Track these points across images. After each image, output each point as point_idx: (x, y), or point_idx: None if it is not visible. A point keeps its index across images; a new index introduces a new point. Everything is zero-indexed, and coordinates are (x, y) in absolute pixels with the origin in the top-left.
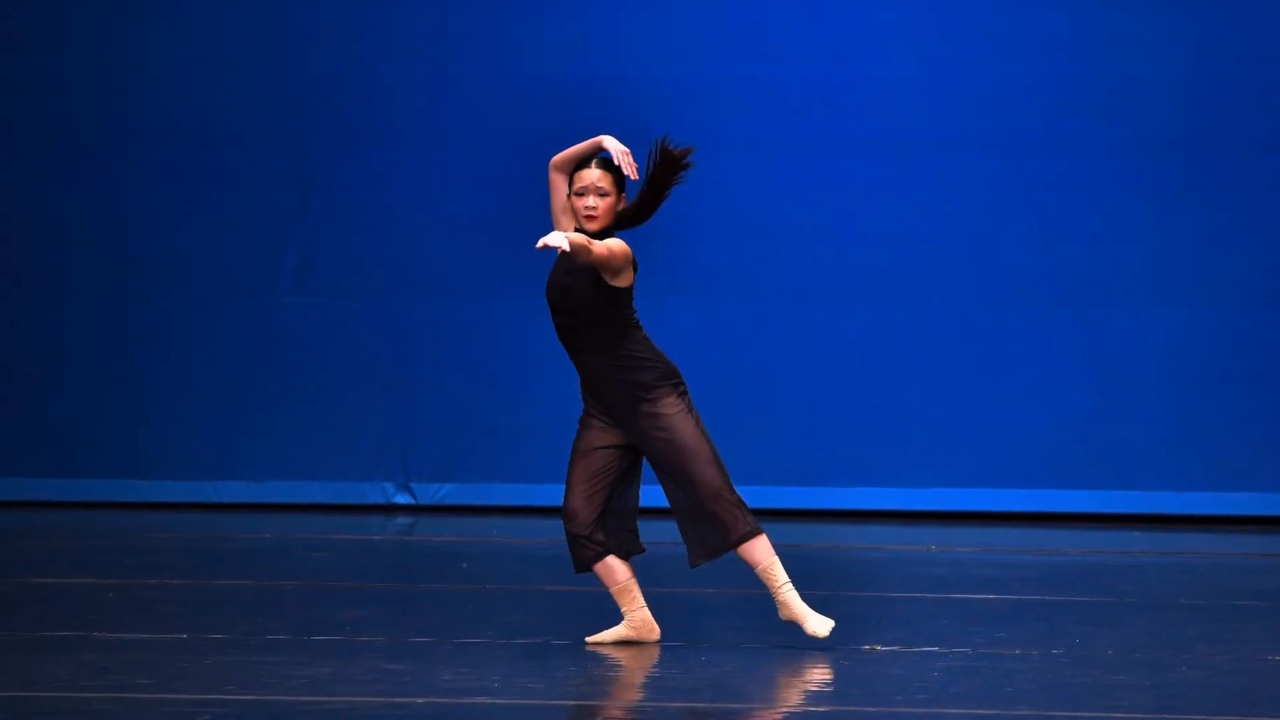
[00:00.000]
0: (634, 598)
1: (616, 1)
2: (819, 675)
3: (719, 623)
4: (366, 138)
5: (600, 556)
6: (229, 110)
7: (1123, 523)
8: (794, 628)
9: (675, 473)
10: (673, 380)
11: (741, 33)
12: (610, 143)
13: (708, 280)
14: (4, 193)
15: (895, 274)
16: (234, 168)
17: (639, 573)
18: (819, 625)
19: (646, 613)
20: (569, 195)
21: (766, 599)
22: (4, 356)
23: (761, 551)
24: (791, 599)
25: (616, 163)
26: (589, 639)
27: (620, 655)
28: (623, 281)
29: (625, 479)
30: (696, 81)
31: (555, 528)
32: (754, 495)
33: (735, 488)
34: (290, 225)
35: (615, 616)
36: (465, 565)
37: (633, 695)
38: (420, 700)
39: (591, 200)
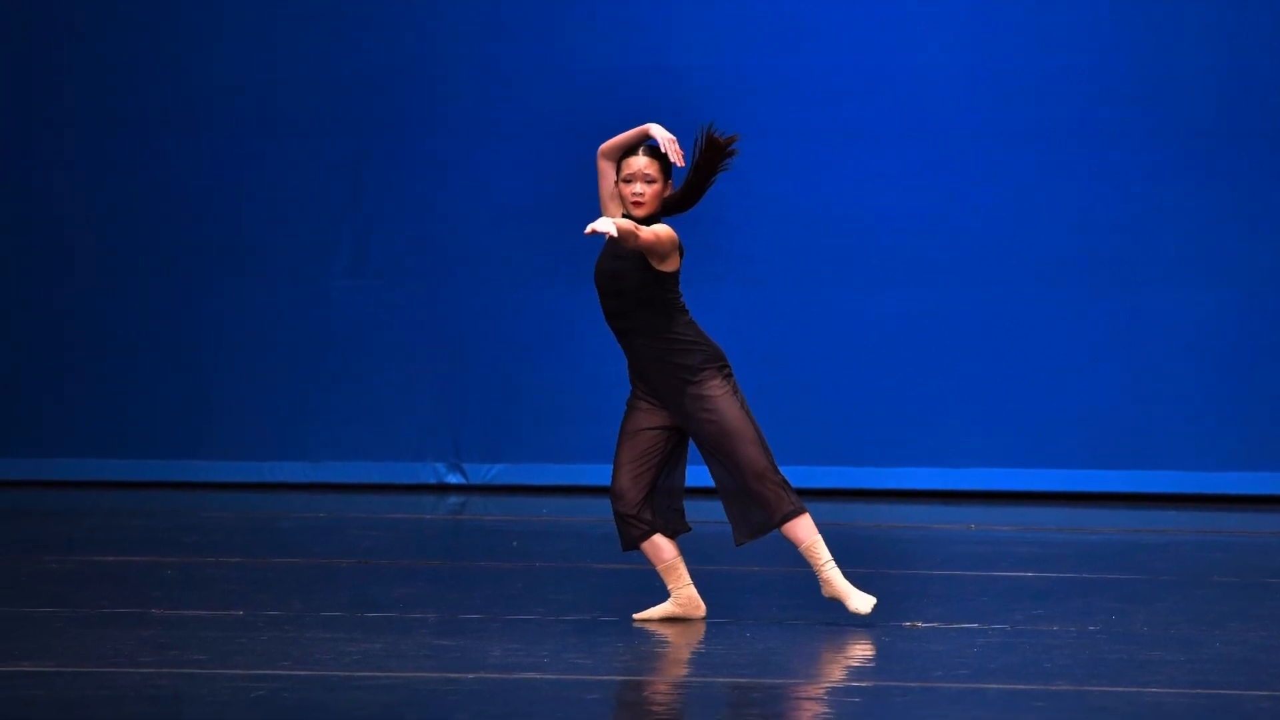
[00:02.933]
0: (680, 575)
1: None
2: (861, 651)
3: (763, 600)
4: (419, 128)
5: (647, 535)
6: (286, 100)
7: (1157, 502)
8: (836, 605)
9: (721, 453)
10: (718, 363)
11: (785, 23)
12: (657, 130)
13: (752, 266)
14: (68, 179)
15: (935, 260)
16: (291, 156)
17: (685, 551)
18: (861, 602)
19: (692, 590)
20: (616, 182)
21: (809, 577)
22: (66, 340)
23: (805, 530)
24: (834, 577)
25: (663, 150)
26: (636, 616)
27: (666, 631)
28: (669, 266)
29: (672, 459)
30: (741, 71)
31: (603, 507)
32: (797, 475)
33: (779, 468)
34: (345, 212)
35: (662, 594)
36: (515, 543)
37: (679, 671)
38: (470, 676)
39: (639, 187)
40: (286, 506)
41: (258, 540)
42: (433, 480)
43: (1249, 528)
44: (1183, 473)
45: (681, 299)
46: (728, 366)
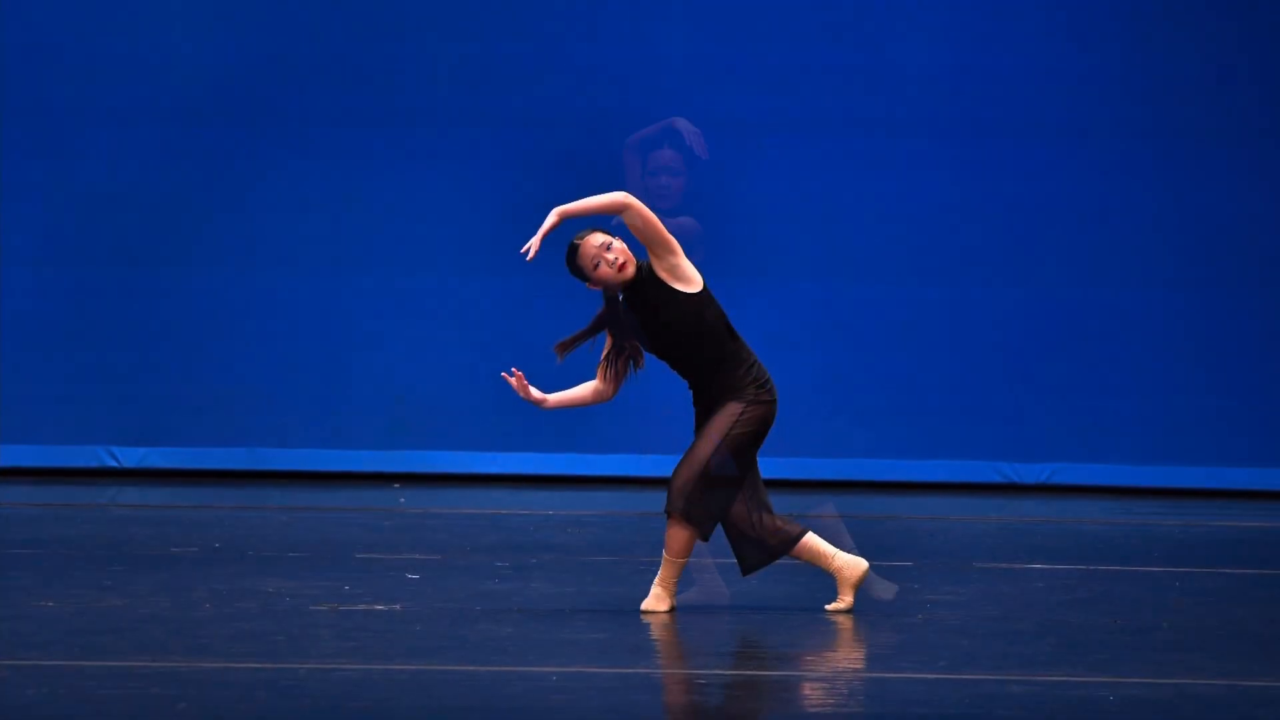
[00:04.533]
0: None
1: None
2: (883, 640)
3: (783, 589)
4: (436, 120)
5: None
6: (312, 91)
7: (1178, 495)
8: (858, 594)
9: (696, 437)
10: (763, 385)
11: (805, 17)
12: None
13: (772, 261)
14: (79, 172)
15: (957, 254)
16: (313, 146)
17: (706, 541)
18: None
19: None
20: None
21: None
22: (75, 331)
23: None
24: (846, 564)
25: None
26: (655, 606)
27: (686, 622)
28: (675, 257)
29: (748, 477)
30: (759, 65)
31: (626, 497)
32: (822, 467)
33: (769, 507)
34: (367, 202)
35: (685, 585)
36: (534, 531)
37: (698, 660)
38: (485, 669)
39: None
40: (308, 498)
41: (279, 529)
42: (452, 471)
43: (1270, 520)
44: (1206, 468)
45: (724, 316)
46: (768, 385)
